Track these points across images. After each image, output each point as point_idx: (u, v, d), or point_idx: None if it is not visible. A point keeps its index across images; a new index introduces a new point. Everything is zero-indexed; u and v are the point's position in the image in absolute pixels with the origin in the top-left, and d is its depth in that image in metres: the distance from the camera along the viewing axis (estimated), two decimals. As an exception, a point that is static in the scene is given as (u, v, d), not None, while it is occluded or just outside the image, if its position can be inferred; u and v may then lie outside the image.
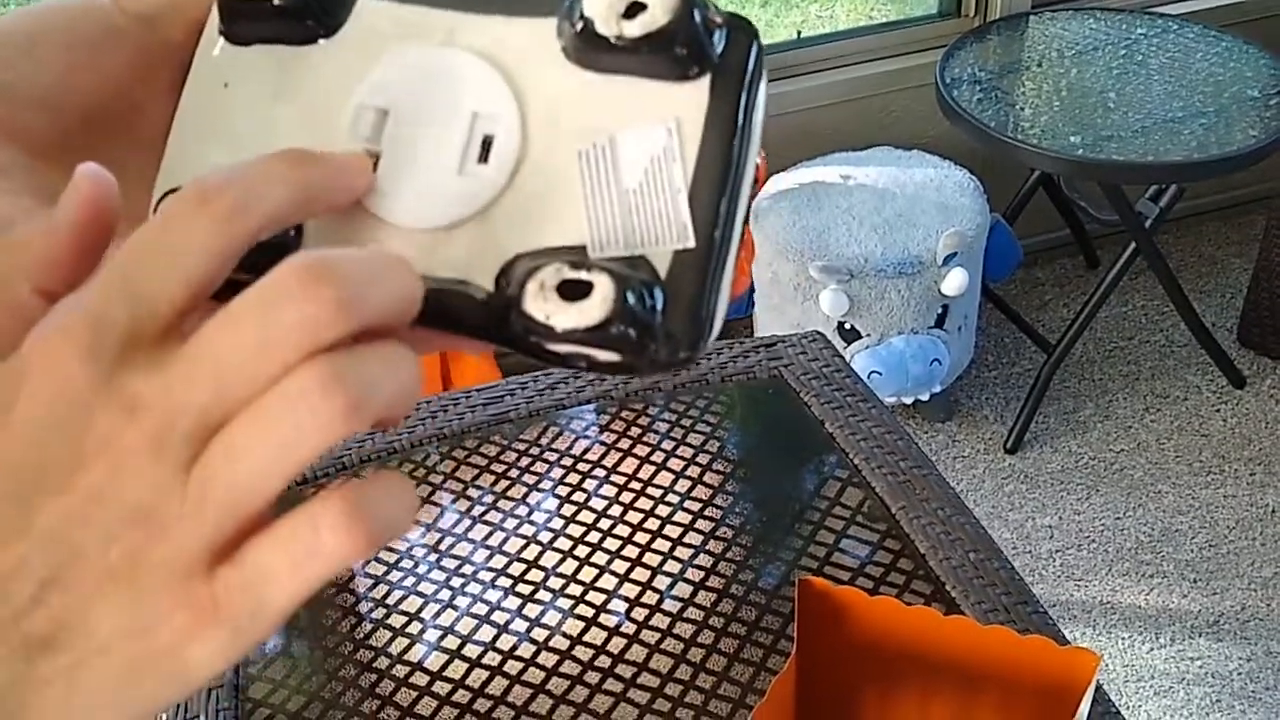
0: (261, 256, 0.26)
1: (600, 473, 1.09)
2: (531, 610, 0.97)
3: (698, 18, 0.29)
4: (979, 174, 2.18)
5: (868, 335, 2.06)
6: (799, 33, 2.36)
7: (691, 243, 0.29)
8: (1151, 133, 2.02)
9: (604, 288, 0.28)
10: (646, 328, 0.28)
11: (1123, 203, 2.09)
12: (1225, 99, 2.09)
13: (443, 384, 2.19)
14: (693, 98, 0.30)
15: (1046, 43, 2.28)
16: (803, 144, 2.26)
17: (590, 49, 0.30)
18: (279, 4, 0.32)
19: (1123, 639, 1.90)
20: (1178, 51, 2.22)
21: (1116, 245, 2.20)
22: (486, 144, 0.30)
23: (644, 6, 0.29)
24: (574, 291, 0.28)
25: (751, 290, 2.22)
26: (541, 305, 0.28)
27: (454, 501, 1.08)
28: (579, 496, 1.07)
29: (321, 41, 0.33)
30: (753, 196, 0.28)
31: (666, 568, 0.99)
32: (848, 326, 2.06)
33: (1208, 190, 2.57)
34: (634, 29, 0.29)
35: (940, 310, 2.07)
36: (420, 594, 0.99)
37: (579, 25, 0.30)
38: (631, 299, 0.28)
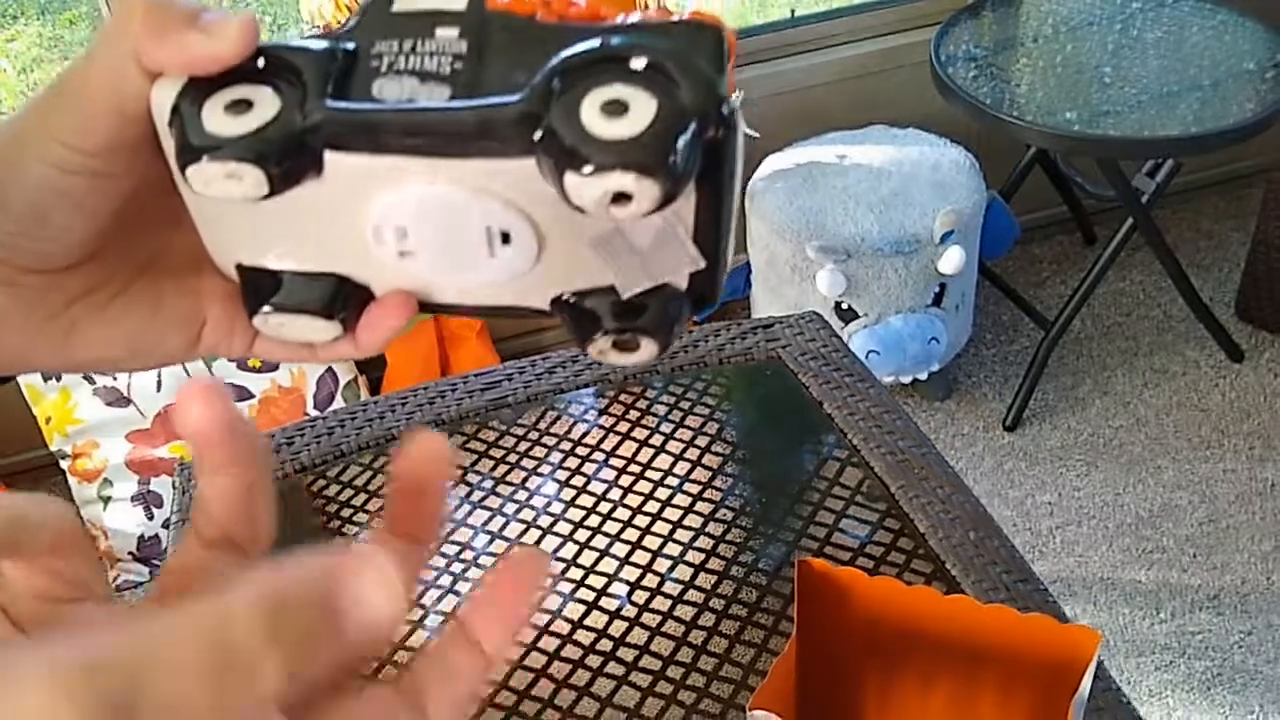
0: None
1: (599, 456, 1.09)
2: (532, 595, 0.97)
3: (676, 160, 0.29)
4: (975, 151, 2.17)
5: (865, 315, 2.06)
6: (793, 11, 2.35)
7: (702, 264, 0.34)
8: (1148, 107, 2.02)
9: (649, 347, 0.34)
10: (677, 333, 0.36)
11: (1119, 178, 2.08)
12: (1221, 72, 2.08)
13: (440, 369, 2.19)
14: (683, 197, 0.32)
15: (1041, 18, 2.27)
16: (798, 124, 2.25)
17: None
18: (235, 175, 0.31)
19: (1123, 614, 1.90)
20: (1173, 25, 2.21)
21: (1114, 221, 2.19)
22: (506, 236, 0.33)
23: (630, 197, 0.30)
24: (627, 345, 0.35)
25: (749, 271, 2.21)
26: (601, 356, 0.35)
27: (453, 487, 1.07)
28: (578, 480, 1.07)
29: (290, 194, 0.32)
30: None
31: (667, 551, 0.99)
32: (845, 306, 2.06)
33: (1204, 164, 2.56)
34: (623, 215, 0.30)
35: (938, 288, 2.06)
36: (420, 580, 0.99)
37: (568, 200, 0.30)
38: (671, 344, 0.35)
